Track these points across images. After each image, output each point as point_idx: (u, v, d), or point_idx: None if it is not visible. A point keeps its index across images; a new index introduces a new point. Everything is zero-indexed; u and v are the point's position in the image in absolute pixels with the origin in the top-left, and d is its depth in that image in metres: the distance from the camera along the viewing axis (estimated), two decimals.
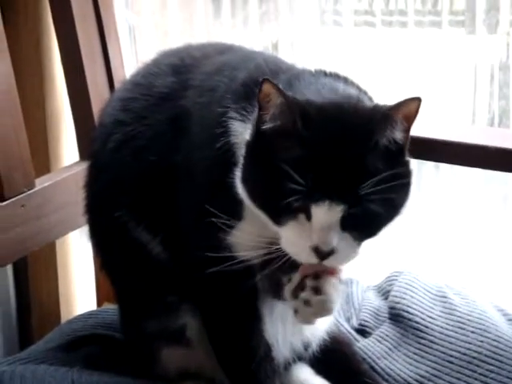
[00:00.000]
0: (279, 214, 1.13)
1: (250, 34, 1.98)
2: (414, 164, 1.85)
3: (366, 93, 1.23)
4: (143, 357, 1.36)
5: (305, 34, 1.97)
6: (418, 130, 1.46)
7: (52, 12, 1.63)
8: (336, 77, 1.24)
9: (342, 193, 1.09)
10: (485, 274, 1.86)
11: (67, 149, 1.75)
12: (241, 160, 1.15)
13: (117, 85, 1.59)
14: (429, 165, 1.87)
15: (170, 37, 2.01)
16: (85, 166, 1.41)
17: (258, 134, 1.13)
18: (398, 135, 1.13)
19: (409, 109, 1.11)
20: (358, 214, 1.11)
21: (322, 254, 1.11)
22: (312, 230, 1.11)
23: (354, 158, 1.10)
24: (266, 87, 1.09)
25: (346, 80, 1.24)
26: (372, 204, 1.10)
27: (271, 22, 1.98)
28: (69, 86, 1.65)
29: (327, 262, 1.12)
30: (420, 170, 1.88)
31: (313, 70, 1.25)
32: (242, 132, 1.17)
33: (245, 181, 1.14)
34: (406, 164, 1.16)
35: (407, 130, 1.13)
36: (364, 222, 1.12)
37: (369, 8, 1.94)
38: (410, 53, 1.91)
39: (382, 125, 1.11)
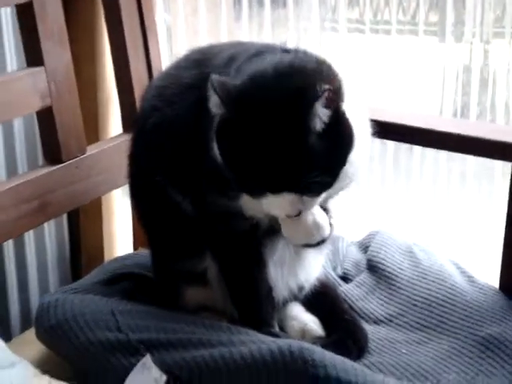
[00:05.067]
0: (250, 193, 1.14)
1: (263, 35, 1.97)
2: (392, 145, 1.86)
3: (322, 63, 1.17)
4: (169, 292, 1.36)
5: (308, 37, 1.95)
6: (398, 117, 1.47)
7: (105, 14, 1.61)
8: (295, 51, 1.19)
9: (292, 184, 1.09)
10: (445, 235, 1.85)
11: (113, 123, 1.74)
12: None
13: (155, 74, 1.59)
14: (404, 147, 1.86)
15: (199, 36, 1.99)
16: (126, 137, 1.41)
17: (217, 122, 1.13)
18: (324, 117, 1.08)
19: (324, 98, 1.07)
20: (311, 188, 1.11)
21: (293, 216, 1.13)
22: (278, 204, 1.12)
23: (290, 147, 1.07)
24: (209, 83, 1.09)
25: (301, 53, 1.19)
26: (318, 179, 1.10)
27: (281, 26, 1.97)
28: (116, 73, 1.64)
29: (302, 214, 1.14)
30: (397, 150, 1.88)
31: (282, 48, 1.22)
32: None
33: (221, 158, 1.14)
34: (342, 122, 1.12)
35: (330, 107, 1.08)
36: (317, 190, 1.13)
37: (360, 17, 1.92)
38: (392, 55, 1.89)
39: (305, 108, 1.07)
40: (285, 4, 1.95)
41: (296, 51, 1.20)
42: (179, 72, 1.31)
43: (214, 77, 1.11)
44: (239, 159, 1.10)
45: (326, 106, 1.08)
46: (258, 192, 1.12)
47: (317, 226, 1.19)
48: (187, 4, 1.99)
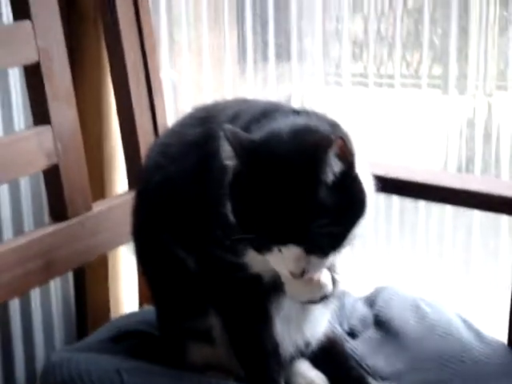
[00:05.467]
0: (255, 247, 1.14)
1: (268, 90, 1.99)
2: (397, 200, 1.87)
3: (332, 124, 1.18)
4: (175, 350, 1.36)
5: (312, 91, 1.97)
6: (402, 172, 1.48)
7: (111, 72, 1.64)
8: (306, 113, 1.20)
9: (299, 237, 1.09)
10: (452, 290, 1.85)
11: (119, 180, 1.76)
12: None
13: (160, 131, 1.61)
14: (409, 201, 1.87)
15: (204, 92, 2.02)
16: (132, 194, 1.41)
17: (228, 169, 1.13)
18: (336, 168, 1.09)
19: (337, 147, 1.07)
20: (318, 244, 1.11)
21: (297, 275, 1.12)
22: (284, 260, 1.11)
23: (300, 200, 1.07)
24: (221, 132, 1.10)
25: (315, 115, 1.20)
26: (328, 234, 1.09)
27: (285, 81, 1.99)
28: (122, 131, 1.66)
29: (305, 276, 1.13)
30: (402, 205, 1.88)
31: (292, 109, 1.23)
32: None
33: (231, 211, 1.14)
34: (355, 184, 1.12)
35: (343, 160, 1.09)
36: (324, 246, 1.12)
37: (364, 71, 1.94)
38: (396, 109, 1.91)
39: (317, 165, 1.07)
40: (289, 58, 1.97)
41: (307, 113, 1.21)
42: (183, 129, 1.32)
43: (227, 126, 1.11)
44: (247, 210, 1.10)
45: (339, 157, 1.08)
46: (264, 246, 1.12)
47: (319, 283, 1.19)
48: (192, 60, 2.01)
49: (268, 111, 1.22)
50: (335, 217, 1.09)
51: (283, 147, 1.10)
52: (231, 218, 1.14)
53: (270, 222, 1.08)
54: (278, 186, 1.07)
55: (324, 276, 1.19)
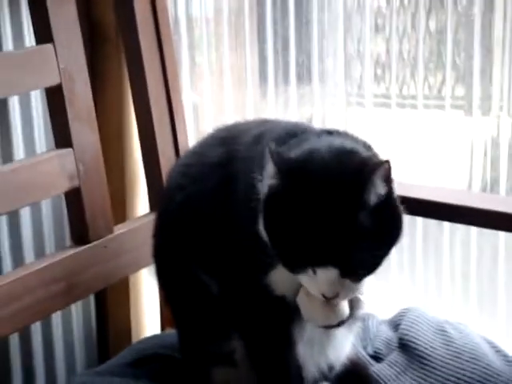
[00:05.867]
0: (290, 268, 1.13)
1: (289, 112, 1.99)
2: (421, 221, 1.85)
3: (364, 145, 1.18)
4: (197, 374, 1.35)
5: (334, 112, 1.97)
6: (426, 193, 1.47)
7: (132, 94, 1.64)
8: (338, 134, 1.20)
9: (336, 258, 1.08)
10: (478, 312, 1.83)
11: (140, 202, 1.76)
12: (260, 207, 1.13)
13: (181, 153, 1.61)
14: (433, 222, 1.85)
15: (225, 114, 2.02)
16: (153, 217, 1.41)
17: (267, 189, 1.12)
18: (379, 190, 1.09)
19: (384, 169, 1.08)
20: (355, 268, 1.10)
21: (328, 298, 1.12)
22: (317, 281, 1.11)
23: (339, 220, 1.06)
24: (267, 153, 1.09)
25: (346, 136, 1.20)
26: (365, 258, 1.09)
27: (306, 102, 1.99)
28: (143, 153, 1.66)
29: (334, 300, 1.14)
30: (426, 226, 1.86)
31: (319, 129, 1.23)
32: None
33: (264, 227, 1.13)
34: (394, 208, 1.12)
35: (387, 183, 1.09)
36: (360, 271, 1.11)
37: (386, 92, 1.93)
38: (419, 130, 1.90)
39: (362, 183, 1.07)
40: (310, 80, 1.97)
41: (339, 133, 1.21)
42: (205, 150, 1.31)
43: (272, 146, 1.10)
44: (286, 229, 1.09)
45: (384, 180, 1.08)
46: (299, 266, 1.11)
47: (335, 308, 1.18)
48: (213, 82, 2.02)
49: (295, 131, 1.22)
50: (375, 241, 1.09)
51: (327, 168, 1.09)
52: (263, 236, 1.13)
53: (310, 242, 1.07)
54: (320, 207, 1.07)
55: (342, 301, 1.19)
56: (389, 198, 1.10)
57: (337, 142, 1.16)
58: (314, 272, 1.10)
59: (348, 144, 1.15)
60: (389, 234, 1.11)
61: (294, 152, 1.13)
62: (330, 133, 1.20)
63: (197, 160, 1.32)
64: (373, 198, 1.08)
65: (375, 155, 1.15)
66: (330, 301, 1.15)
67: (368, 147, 1.19)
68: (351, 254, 1.07)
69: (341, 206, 1.07)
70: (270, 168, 1.10)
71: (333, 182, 1.08)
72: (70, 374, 1.76)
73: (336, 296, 1.12)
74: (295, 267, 1.12)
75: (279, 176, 1.09)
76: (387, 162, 1.08)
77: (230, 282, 1.25)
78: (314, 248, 1.07)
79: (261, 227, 1.14)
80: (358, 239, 1.07)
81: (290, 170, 1.09)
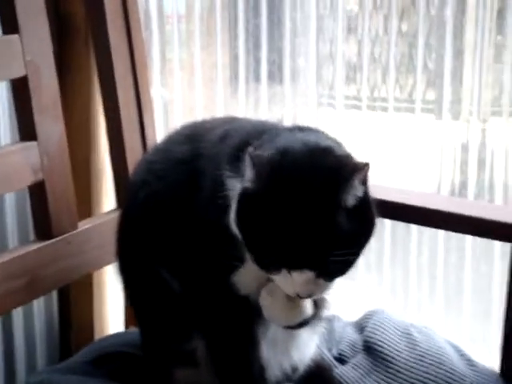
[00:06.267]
0: (264, 267, 1.11)
1: (260, 111, 1.97)
2: (389, 224, 1.85)
3: (337, 142, 1.17)
4: (159, 373, 1.32)
5: (305, 112, 1.96)
6: (395, 196, 1.46)
7: (100, 89, 1.61)
8: (309, 130, 1.19)
9: (314, 262, 1.07)
10: (444, 316, 1.83)
11: (107, 198, 1.74)
12: (235, 203, 1.12)
13: (149, 149, 1.59)
14: (402, 225, 1.85)
15: (196, 111, 2.00)
16: (119, 213, 1.39)
17: (243, 189, 1.10)
18: (357, 192, 1.08)
19: (364, 172, 1.07)
20: (331, 270, 1.10)
21: (301, 297, 1.12)
22: (292, 282, 1.10)
23: (319, 224, 1.05)
24: (247, 156, 1.07)
25: (318, 132, 1.19)
26: (341, 262, 1.08)
27: (277, 102, 1.98)
28: (110, 148, 1.63)
29: (298, 300, 1.15)
30: (394, 229, 1.86)
31: (290, 126, 1.22)
32: (235, 186, 1.14)
33: (237, 224, 1.11)
34: (369, 208, 1.11)
35: (365, 185, 1.09)
36: (334, 272, 1.11)
37: (357, 94, 1.93)
38: (389, 133, 1.89)
39: (341, 186, 1.06)
40: (281, 80, 1.96)
41: (310, 130, 1.20)
42: (170, 147, 1.29)
43: (252, 151, 1.08)
44: (264, 232, 1.07)
45: (362, 182, 1.08)
46: (275, 267, 1.09)
47: (298, 308, 1.17)
48: (184, 79, 2.00)
49: (263, 128, 1.21)
50: (351, 242, 1.08)
51: (305, 170, 1.07)
52: (236, 235, 1.11)
53: (287, 245, 1.06)
54: (298, 210, 1.05)
55: (304, 302, 1.18)
56: (365, 200, 1.10)
57: (311, 139, 1.14)
58: (289, 272, 1.09)
59: (322, 141, 1.14)
60: (363, 235, 1.11)
61: (270, 151, 1.10)
62: (301, 129, 1.19)
63: (162, 156, 1.30)
64: (351, 201, 1.07)
65: (350, 155, 1.13)
66: (294, 300, 1.15)
67: (339, 144, 1.17)
68: (328, 257, 1.06)
69: (319, 209, 1.05)
70: (248, 170, 1.08)
71: (311, 184, 1.06)
72: (30, 371, 1.73)
73: (310, 295, 1.12)
74: (270, 268, 1.11)
75: (257, 179, 1.07)
76: (367, 164, 1.07)
77: (194, 281, 1.23)
78: (291, 251, 1.06)
79: (233, 226, 1.12)
80: (334, 242, 1.06)
81: (267, 173, 1.07)
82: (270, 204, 1.06)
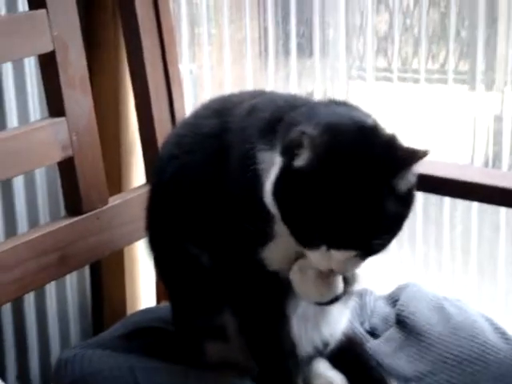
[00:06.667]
0: (304, 243, 1.10)
1: (290, 86, 1.95)
2: (421, 196, 1.82)
3: (371, 117, 1.16)
4: (190, 348, 1.32)
5: (335, 86, 1.93)
6: (427, 168, 1.43)
7: (129, 64, 1.60)
8: (346, 105, 1.19)
9: (358, 243, 1.07)
10: (477, 289, 1.80)
11: (136, 174, 1.73)
12: (272, 179, 1.10)
13: (177, 123, 1.57)
14: (434, 197, 1.82)
15: (224, 86, 1.98)
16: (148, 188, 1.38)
17: (289, 166, 1.08)
18: (411, 179, 1.08)
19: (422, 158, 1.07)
20: (372, 252, 1.10)
21: (336, 273, 1.12)
22: (331, 258, 1.09)
23: (371, 207, 1.05)
24: (303, 136, 1.05)
25: (355, 108, 1.18)
26: (381, 243, 1.09)
27: (307, 76, 1.95)
28: (139, 123, 1.62)
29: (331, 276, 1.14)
30: (427, 201, 1.83)
31: (325, 100, 1.21)
32: (268, 159, 1.13)
33: (276, 198, 1.10)
34: (413, 193, 1.11)
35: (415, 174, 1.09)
36: (374, 252, 1.11)
37: (388, 66, 1.90)
38: (421, 104, 1.86)
39: (401, 172, 1.07)
40: (311, 53, 1.93)
41: (345, 104, 1.19)
42: (198, 121, 1.28)
43: (305, 129, 1.06)
44: (311, 209, 1.06)
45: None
46: (316, 243, 1.08)
47: (329, 285, 1.16)
48: (213, 54, 1.98)
49: (297, 102, 1.20)
50: (396, 226, 1.09)
51: (362, 152, 1.06)
52: (271, 209, 1.10)
53: (335, 225, 1.05)
54: (353, 193, 1.04)
55: (336, 278, 1.16)
56: (413, 185, 1.10)
57: (354, 116, 1.13)
58: (328, 250, 1.08)
59: (365, 119, 1.13)
60: (406, 217, 1.11)
61: (316, 128, 1.08)
62: (337, 104, 1.19)
63: (190, 131, 1.28)
64: (403, 187, 1.07)
65: (399, 139, 1.11)
66: (326, 276, 1.14)
67: (375, 120, 1.15)
68: (372, 239, 1.07)
69: (372, 193, 1.05)
70: (304, 152, 1.06)
71: (368, 167, 1.05)
72: (64, 347, 1.74)
73: (344, 272, 1.12)
74: (309, 244, 1.10)
75: (312, 158, 1.05)
76: (426, 152, 1.06)
77: (223, 256, 1.22)
78: (338, 231, 1.06)
79: (268, 200, 1.11)
80: (382, 226, 1.07)
81: (324, 153, 1.05)
82: (323, 183, 1.05)
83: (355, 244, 1.07)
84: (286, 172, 1.09)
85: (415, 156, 1.07)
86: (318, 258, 1.10)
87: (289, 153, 1.08)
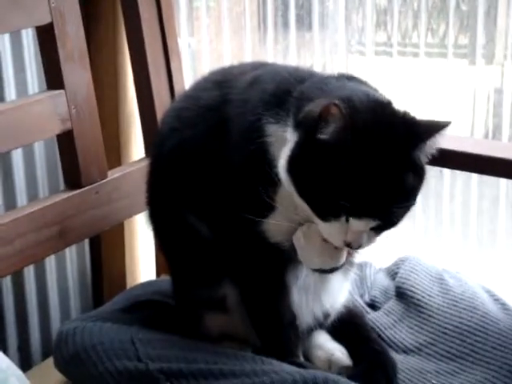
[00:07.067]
0: (323, 214, 1.10)
1: (289, 59, 1.93)
2: None
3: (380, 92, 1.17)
4: (190, 320, 1.32)
5: (334, 60, 1.92)
6: None
7: (127, 37, 1.59)
8: (356, 80, 1.19)
9: (379, 211, 1.07)
10: (477, 261, 1.80)
11: (135, 147, 1.72)
12: (289, 152, 1.10)
13: (177, 96, 1.56)
14: (434, 169, 1.81)
15: (223, 59, 1.96)
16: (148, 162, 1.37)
17: (312, 139, 1.07)
18: (430, 151, 1.10)
19: (443, 130, 1.09)
20: (387, 223, 1.10)
21: (352, 247, 1.11)
22: (348, 230, 1.09)
23: (393, 177, 1.06)
24: (334, 108, 1.04)
25: (365, 83, 1.19)
26: (399, 214, 1.09)
27: (306, 50, 1.93)
28: (138, 96, 1.61)
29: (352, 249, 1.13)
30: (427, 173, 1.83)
31: (334, 74, 1.20)
32: (276, 132, 1.13)
33: (292, 173, 1.09)
34: (425, 172, 1.12)
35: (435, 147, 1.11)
36: (389, 226, 1.11)
37: (387, 40, 1.88)
38: (421, 79, 1.84)
39: (422, 144, 1.08)
40: (310, 27, 1.91)
41: (355, 78, 1.19)
42: (199, 93, 1.27)
43: (340, 104, 1.04)
44: (333, 180, 1.06)
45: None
46: (335, 213, 1.08)
47: (333, 254, 1.16)
48: (211, 27, 1.96)
49: (303, 75, 1.19)
50: (414, 196, 1.10)
51: (385, 125, 1.08)
52: (285, 182, 1.10)
53: (357, 193, 1.06)
54: (376, 162, 1.05)
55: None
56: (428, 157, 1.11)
57: (369, 92, 1.14)
58: (347, 220, 1.08)
59: (379, 94, 1.15)
60: (420, 188, 1.12)
61: (342, 103, 1.06)
62: (348, 78, 1.18)
63: (191, 103, 1.27)
64: (424, 158, 1.10)
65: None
66: (330, 244, 1.13)
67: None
68: (391, 207, 1.07)
69: (395, 163, 1.06)
70: (334, 128, 1.05)
71: (390, 139, 1.07)
72: (64, 319, 1.73)
73: (359, 247, 1.12)
74: (328, 214, 1.09)
75: (336, 131, 1.05)
76: (448, 123, 1.09)
77: (224, 227, 1.22)
78: (359, 199, 1.06)
79: (282, 172, 1.11)
80: (402, 195, 1.08)
81: (349, 127, 1.05)
82: (349, 155, 1.05)
83: (376, 212, 1.07)
84: (306, 146, 1.08)
85: (435, 128, 1.08)
86: (334, 230, 1.10)
87: (311, 125, 1.07)
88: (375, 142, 1.06)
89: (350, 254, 1.21)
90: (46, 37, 1.39)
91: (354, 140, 1.05)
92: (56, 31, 1.38)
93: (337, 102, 1.04)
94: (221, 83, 1.25)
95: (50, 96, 1.40)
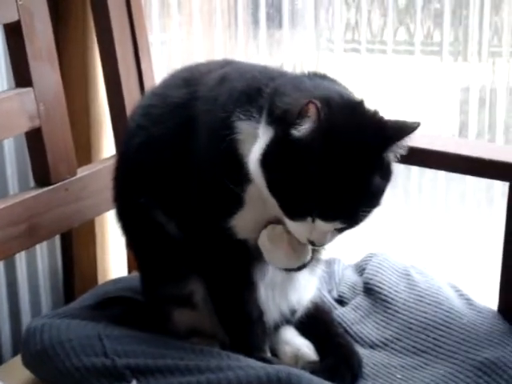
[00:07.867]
0: (291, 213, 1.10)
1: (260, 57, 1.93)
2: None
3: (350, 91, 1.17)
4: (159, 316, 1.32)
5: (304, 58, 1.92)
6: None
7: (97, 35, 1.58)
8: (327, 78, 1.18)
9: (346, 215, 1.08)
10: (443, 257, 1.81)
11: (106, 145, 1.71)
12: (261, 149, 1.09)
13: (145, 94, 1.56)
14: (402, 166, 1.82)
15: (195, 56, 1.96)
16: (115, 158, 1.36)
17: (285, 136, 1.07)
18: (399, 151, 1.10)
19: (413, 132, 1.08)
20: (352, 224, 1.11)
21: (314, 245, 1.12)
22: (313, 230, 1.09)
23: (362, 182, 1.06)
24: (312, 107, 1.04)
25: (336, 81, 1.19)
26: (365, 216, 1.10)
27: (277, 47, 1.93)
28: (108, 94, 1.60)
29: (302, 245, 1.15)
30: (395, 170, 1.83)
31: (305, 72, 1.19)
32: (247, 129, 1.13)
33: (265, 168, 1.09)
34: (392, 172, 1.12)
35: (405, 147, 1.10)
36: (353, 226, 1.11)
37: (357, 37, 1.88)
38: (389, 75, 1.85)
39: (392, 146, 1.08)
40: (280, 25, 1.91)
41: (326, 77, 1.19)
42: (166, 91, 1.27)
43: (316, 102, 1.04)
44: (304, 181, 1.06)
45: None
46: (303, 215, 1.09)
47: (298, 252, 1.16)
48: (183, 24, 1.96)
49: (273, 73, 1.19)
50: (380, 198, 1.10)
51: (358, 125, 1.08)
52: (258, 180, 1.10)
53: (327, 197, 1.06)
54: (348, 166, 1.05)
55: (305, 245, 1.16)
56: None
57: (341, 90, 1.14)
58: (313, 221, 1.08)
59: (351, 93, 1.15)
60: (386, 188, 1.11)
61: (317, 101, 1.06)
62: (321, 77, 1.18)
63: (159, 101, 1.27)
64: (392, 160, 1.10)
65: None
66: (296, 243, 1.14)
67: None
68: (360, 211, 1.08)
69: (365, 166, 1.06)
70: (309, 126, 1.05)
71: (362, 142, 1.06)
72: (35, 316, 1.71)
73: (323, 244, 1.12)
74: (296, 214, 1.10)
75: (313, 127, 1.05)
76: (419, 124, 1.08)
77: (192, 224, 1.22)
78: (328, 203, 1.06)
79: (254, 169, 1.10)
80: (370, 197, 1.08)
81: (323, 125, 1.05)
82: (321, 154, 1.05)
83: (343, 216, 1.08)
84: (281, 141, 1.08)
85: (406, 129, 1.08)
86: (300, 229, 1.10)
87: (285, 122, 1.07)
88: (346, 147, 1.06)
89: (316, 251, 1.22)
90: (14, 35, 1.38)
91: (326, 144, 1.05)
92: (24, 29, 1.37)
93: (317, 102, 1.04)
94: (189, 81, 1.25)
95: (18, 93, 1.39)
